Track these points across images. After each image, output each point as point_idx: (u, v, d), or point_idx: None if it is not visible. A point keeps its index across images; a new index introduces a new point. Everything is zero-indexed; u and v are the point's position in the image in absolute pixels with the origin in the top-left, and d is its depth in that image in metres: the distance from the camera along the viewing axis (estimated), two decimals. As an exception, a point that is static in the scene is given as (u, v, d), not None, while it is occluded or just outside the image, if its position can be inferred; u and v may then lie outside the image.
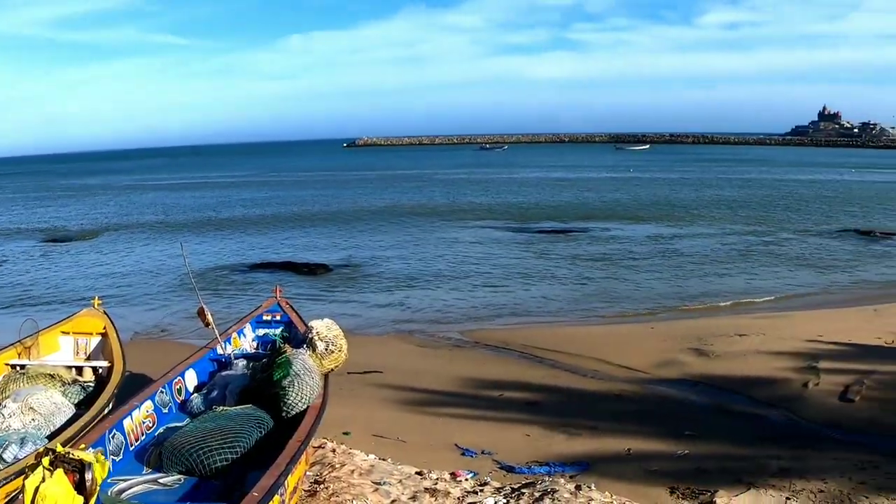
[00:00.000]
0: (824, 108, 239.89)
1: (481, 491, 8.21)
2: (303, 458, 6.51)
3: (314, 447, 8.70)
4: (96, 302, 11.18)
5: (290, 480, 6.03)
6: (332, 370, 8.41)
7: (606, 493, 8.26)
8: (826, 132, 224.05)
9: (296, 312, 10.55)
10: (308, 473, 8.01)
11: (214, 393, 7.98)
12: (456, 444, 10.02)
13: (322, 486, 7.94)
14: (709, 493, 8.33)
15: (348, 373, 12.27)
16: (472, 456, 9.65)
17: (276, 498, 5.58)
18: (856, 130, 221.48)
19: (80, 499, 4.81)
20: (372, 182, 72.82)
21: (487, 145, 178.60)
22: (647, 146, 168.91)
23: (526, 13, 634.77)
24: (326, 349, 8.22)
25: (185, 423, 7.33)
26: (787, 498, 8.18)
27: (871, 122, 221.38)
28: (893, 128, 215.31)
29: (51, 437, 7.38)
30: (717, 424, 10.98)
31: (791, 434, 10.46)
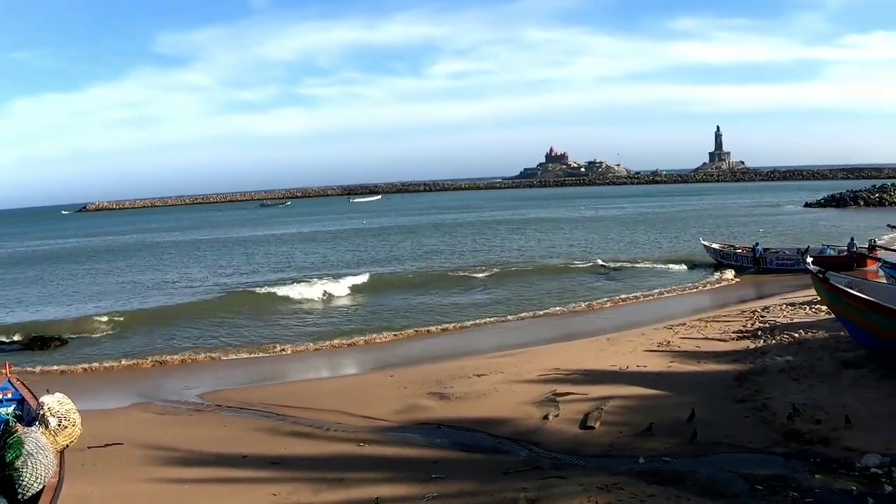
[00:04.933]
0: (551, 150, 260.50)
1: (227, 557, 8.17)
2: None
3: None
4: None
5: None
6: (68, 446, 8.42)
7: None
8: (554, 173, 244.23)
9: (28, 389, 10.38)
10: (50, 557, 7.79)
11: (-54, 481, 7.62)
12: None
13: (63, 569, 7.75)
14: (461, 534, 8.69)
15: (88, 447, 12.18)
16: None
17: None
18: (582, 169, 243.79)
19: None
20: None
21: (269, 202, 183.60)
22: (379, 197, 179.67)
23: (255, 70, 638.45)
24: (59, 424, 8.27)
25: None
26: (536, 529, 8.72)
27: (598, 161, 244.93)
28: (618, 165, 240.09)
29: None
30: (463, 465, 11.48)
31: (536, 466, 11.13)
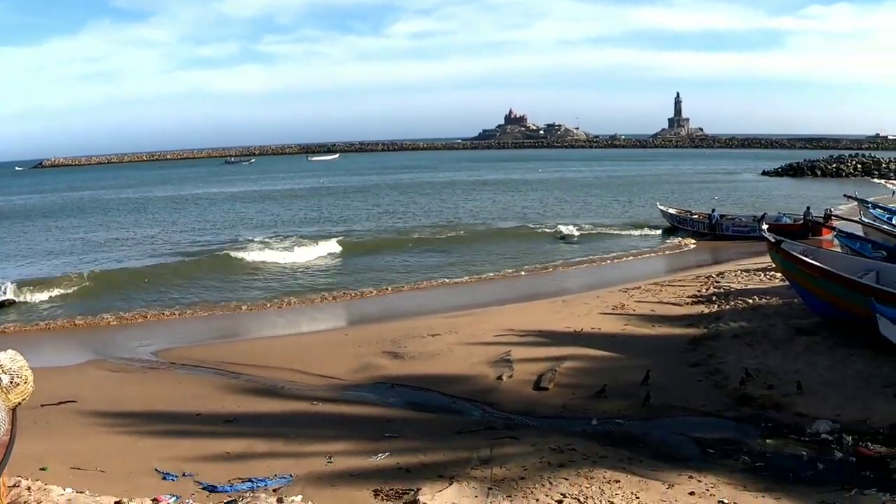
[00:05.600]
0: (510, 112, 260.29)
1: (184, 514, 8.22)
2: None
3: (8, 486, 8.37)
4: None
5: None
6: (20, 403, 8.13)
7: (311, 502, 8.53)
8: (513, 134, 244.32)
9: None
10: (3, 515, 7.74)
11: None
12: (156, 469, 9.99)
13: (19, 526, 7.71)
14: (412, 492, 8.77)
15: (41, 405, 12.24)
16: (172, 479, 9.68)
17: None
18: (541, 132, 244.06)
19: None
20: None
21: (233, 158, 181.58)
22: (337, 156, 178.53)
23: (215, 26, 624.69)
24: (11, 382, 7.89)
25: None
26: (490, 488, 8.78)
27: (556, 124, 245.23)
28: (577, 128, 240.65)
29: None
30: (416, 423, 11.59)
31: (489, 426, 11.27)
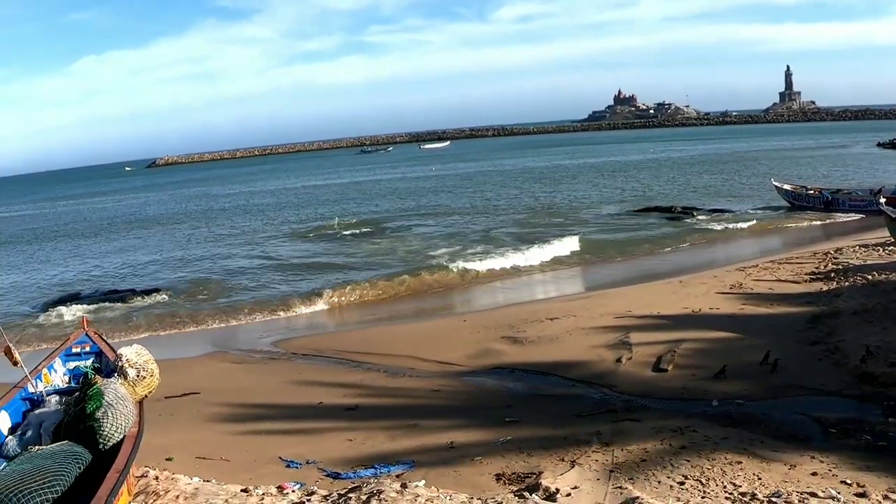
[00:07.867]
0: (619, 92, 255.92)
1: (308, 500, 8.35)
2: (124, 488, 6.53)
3: (136, 476, 8.66)
4: None
5: None
6: (147, 396, 8.58)
7: (433, 487, 8.51)
8: (623, 115, 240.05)
9: (105, 342, 10.51)
10: (133, 504, 8.01)
11: (29, 433, 7.84)
12: (280, 457, 10.14)
13: (149, 514, 7.95)
14: (534, 476, 8.73)
15: (165, 397, 12.28)
16: (296, 467, 9.81)
17: None
18: (651, 111, 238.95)
19: None
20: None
21: (369, 148, 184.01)
22: (447, 143, 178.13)
23: (319, 20, 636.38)
24: (138, 375, 8.43)
25: (1, 467, 7.16)
26: (611, 470, 8.70)
27: (666, 103, 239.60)
28: (687, 106, 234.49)
29: None
30: (537, 408, 11.52)
31: (609, 409, 11.12)
